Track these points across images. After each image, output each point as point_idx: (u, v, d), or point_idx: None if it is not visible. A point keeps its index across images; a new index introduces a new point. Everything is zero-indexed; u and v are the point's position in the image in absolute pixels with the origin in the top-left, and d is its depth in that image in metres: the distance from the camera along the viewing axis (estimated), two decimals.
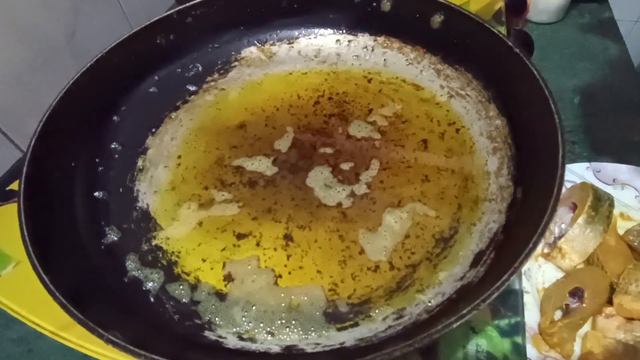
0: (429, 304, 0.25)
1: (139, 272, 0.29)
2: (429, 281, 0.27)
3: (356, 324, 0.26)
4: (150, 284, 0.28)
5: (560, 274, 0.38)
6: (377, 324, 0.25)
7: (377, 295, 0.27)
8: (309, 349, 0.25)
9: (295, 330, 0.26)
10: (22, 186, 0.26)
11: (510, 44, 0.31)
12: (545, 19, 0.65)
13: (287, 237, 0.30)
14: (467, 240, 0.28)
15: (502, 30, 0.44)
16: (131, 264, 0.29)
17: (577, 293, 0.35)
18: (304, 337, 0.26)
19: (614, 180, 0.43)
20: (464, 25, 0.35)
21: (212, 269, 0.29)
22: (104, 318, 0.20)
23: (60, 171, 0.31)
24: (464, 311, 0.18)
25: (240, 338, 0.25)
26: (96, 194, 0.33)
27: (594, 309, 0.35)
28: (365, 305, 0.26)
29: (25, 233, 0.23)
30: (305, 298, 0.27)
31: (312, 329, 0.26)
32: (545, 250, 0.39)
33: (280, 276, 0.29)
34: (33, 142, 0.29)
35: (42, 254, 0.23)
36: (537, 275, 0.39)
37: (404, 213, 0.30)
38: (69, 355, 0.34)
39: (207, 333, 0.26)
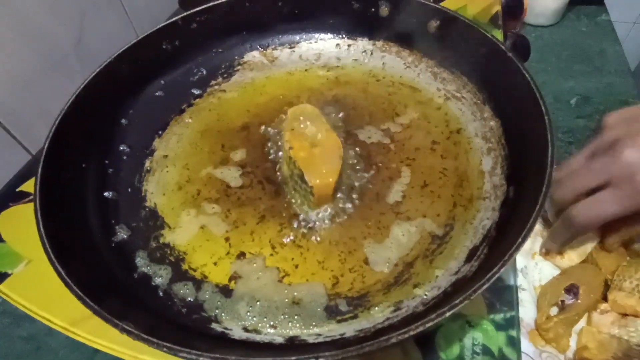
0: (425, 297, 0.26)
1: (148, 268, 0.30)
2: (425, 276, 0.28)
3: (355, 316, 0.27)
4: (159, 280, 0.29)
5: (556, 272, 0.39)
6: (375, 316, 0.26)
7: (375, 289, 0.28)
8: (310, 340, 0.26)
9: (297, 325, 0.27)
10: (38, 186, 0.27)
11: (503, 48, 0.32)
12: (542, 22, 0.66)
13: (292, 235, 0.31)
14: (462, 236, 0.29)
15: (499, 33, 0.45)
16: (140, 261, 0.30)
17: (572, 290, 0.36)
18: (305, 330, 0.27)
19: None
20: (459, 30, 0.36)
21: (218, 266, 0.30)
22: (116, 310, 0.22)
23: (72, 172, 0.32)
24: (456, 301, 0.19)
25: (245, 330, 0.27)
26: (106, 194, 0.34)
27: (589, 305, 0.35)
28: (364, 299, 0.28)
29: (42, 230, 0.25)
30: (307, 295, 0.28)
31: (314, 323, 0.27)
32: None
33: (284, 273, 0.30)
34: (47, 145, 0.30)
35: (58, 250, 0.24)
36: (534, 272, 0.39)
37: (412, 227, 0.31)
38: (77, 352, 0.35)
39: (213, 325, 0.27)
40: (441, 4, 0.48)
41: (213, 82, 0.43)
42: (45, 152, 0.29)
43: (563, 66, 0.60)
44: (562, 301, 0.36)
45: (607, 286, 0.36)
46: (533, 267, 0.40)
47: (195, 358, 0.19)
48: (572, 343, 0.35)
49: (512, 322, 0.29)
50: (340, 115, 0.39)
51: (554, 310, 0.35)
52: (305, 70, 0.43)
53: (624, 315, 0.35)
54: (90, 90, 0.34)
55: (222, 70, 0.43)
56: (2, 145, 0.45)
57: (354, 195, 0.33)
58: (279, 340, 0.26)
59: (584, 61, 0.60)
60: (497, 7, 0.48)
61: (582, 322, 0.36)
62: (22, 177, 0.42)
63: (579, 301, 0.35)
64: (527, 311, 0.36)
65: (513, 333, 0.29)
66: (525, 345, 0.33)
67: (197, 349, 0.20)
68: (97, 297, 0.22)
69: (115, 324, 0.20)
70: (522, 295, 0.36)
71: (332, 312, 0.27)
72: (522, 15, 0.61)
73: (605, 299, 0.36)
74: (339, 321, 0.27)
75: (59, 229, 0.26)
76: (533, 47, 0.54)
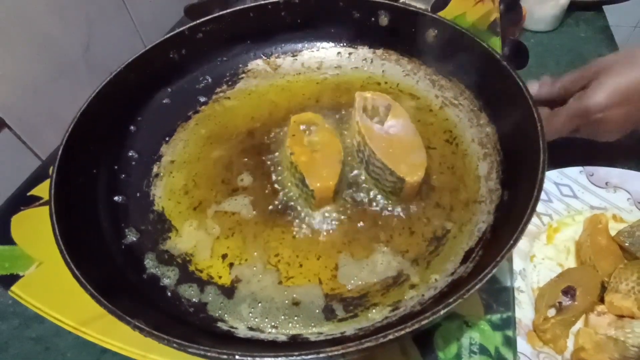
0: (422, 297, 0.27)
1: (157, 269, 0.31)
2: (422, 277, 0.29)
3: (355, 316, 0.28)
4: (167, 280, 0.30)
5: (553, 274, 0.40)
6: (374, 315, 0.27)
7: (374, 290, 0.29)
8: (312, 338, 0.27)
9: (297, 325, 0.28)
10: (52, 191, 0.28)
11: (497, 56, 0.33)
12: (541, 28, 0.67)
13: (293, 238, 0.32)
14: (458, 239, 0.30)
15: (497, 40, 0.46)
16: (149, 262, 0.31)
17: (569, 291, 0.37)
18: (304, 330, 0.28)
19: (606, 183, 0.44)
20: (456, 39, 0.37)
21: (222, 268, 0.31)
22: (128, 309, 0.23)
23: (84, 178, 0.33)
24: (450, 300, 0.20)
25: (250, 328, 0.28)
26: (116, 198, 0.35)
27: (586, 306, 0.36)
28: (364, 299, 0.28)
29: (57, 233, 0.26)
30: (306, 296, 0.29)
31: (313, 324, 0.28)
32: None
33: (284, 275, 0.31)
34: (61, 151, 0.31)
35: (72, 252, 0.25)
36: (532, 275, 0.40)
37: (394, 261, 0.30)
38: (85, 352, 0.36)
39: (220, 324, 0.28)
40: (441, 12, 0.49)
41: (218, 90, 0.44)
42: (59, 158, 0.31)
43: (562, 71, 0.59)
44: (560, 303, 0.36)
45: (604, 288, 0.37)
46: (531, 270, 0.40)
47: (203, 354, 0.20)
48: (570, 344, 0.35)
49: (509, 323, 0.30)
50: (341, 121, 0.40)
51: (551, 312, 0.36)
52: (307, 77, 0.44)
53: (621, 316, 0.36)
54: (101, 99, 0.36)
55: (227, 78, 0.44)
56: (13, 150, 0.46)
57: (352, 201, 0.34)
58: (282, 338, 0.27)
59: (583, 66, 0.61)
60: (496, 14, 0.49)
61: (579, 324, 0.36)
62: (32, 181, 0.43)
63: (576, 303, 0.36)
64: (525, 313, 0.36)
65: (509, 333, 0.30)
66: (523, 346, 0.34)
67: (205, 346, 0.21)
68: (110, 296, 0.23)
69: (127, 321, 0.21)
70: (520, 297, 0.37)
71: (330, 313, 0.28)
72: (521, 21, 0.62)
73: (602, 300, 0.37)
74: (339, 320, 0.28)
75: (73, 232, 0.27)
76: (532, 53, 0.55)
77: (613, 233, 0.40)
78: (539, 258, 0.41)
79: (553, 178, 0.45)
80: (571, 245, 0.42)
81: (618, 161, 0.47)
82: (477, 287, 0.20)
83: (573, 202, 0.44)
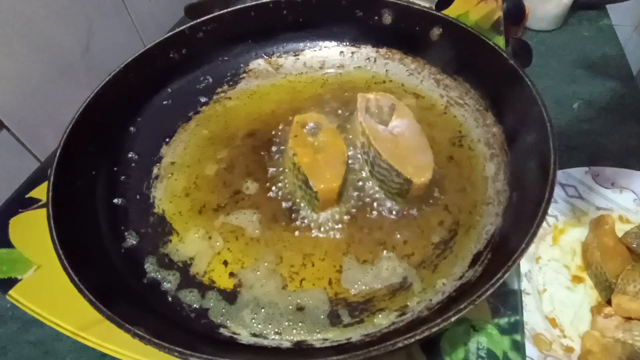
0: (430, 302, 0.27)
1: (157, 273, 0.30)
2: (429, 281, 0.28)
3: (361, 321, 0.27)
4: (167, 285, 0.30)
5: (559, 276, 0.40)
6: (381, 320, 0.27)
7: (380, 294, 0.28)
8: (317, 344, 0.26)
9: (301, 331, 0.27)
10: (50, 194, 0.28)
11: (504, 55, 0.32)
12: (544, 27, 0.67)
13: (297, 242, 0.32)
14: (466, 242, 0.30)
15: (500, 39, 0.46)
16: (150, 266, 0.31)
17: None
18: (309, 336, 0.27)
19: (612, 184, 0.44)
20: (461, 38, 0.36)
21: (224, 272, 0.31)
22: (127, 315, 0.22)
23: (83, 180, 0.33)
24: (461, 306, 0.20)
25: (253, 335, 0.27)
26: (115, 200, 0.34)
27: None
28: (370, 304, 0.28)
29: (55, 236, 0.25)
30: (311, 301, 0.29)
31: (317, 330, 0.27)
32: None
33: (289, 279, 0.30)
34: (58, 153, 0.30)
35: (70, 256, 0.25)
36: (538, 277, 0.40)
37: (400, 268, 0.30)
38: (85, 356, 0.36)
39: (222, 330, 0.27)
40: (444, 11, 0.48)
41: (219, 90, 0.43)
42: (57, 160, 0.30)
43: (565, 71, 0.60)
44: None
45: (611, 290, 0.36)
46: (537, 272, 0.40)
47: None
48: (577, 347, 0.35)
49: (517, 327, 0.30)
50: (345, 121, 0.39)
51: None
52: (310, 77, 0.44)
53: (629, 319, 0.35)
54: (100, 100, 0.35)
55: (228, 78, 0.44)
56: (11, 152, 0.46)
57: (356, 202, 0.33)
58: (286, 344, 0.26)
59: (586, 65, 0.61)
60: (499, 13, 0.49)
61: (586, 326, 0.36)
62: (31, 183, 0.43)
63: None
64: (531, 315, 0.36)
65: (517, 337, 0.29)
66: (530, 349, 0.33)
67: (207, 354, 0.20)
68: (109, 302, 0.23)
69: (127, 329, 0.21)
70: (526, 299, 0.37)
71: (336, 318, 0.28)
72: (524, 20, 0.62)
73: (609, 302, 0.36)
74: (345, 326, 0.27)
75: (71, 235, 0.27)
76: (535, 52, 0.55)
77: (619, 234, 0.40)
78: (544, 260, 0.41)
79: (558, 178, 0.44)
80: (577, 246, 0.41)
81: (624, 161, 0.46)
82: (489, 292, 0.20)
83: (578, 203, 0.43)
